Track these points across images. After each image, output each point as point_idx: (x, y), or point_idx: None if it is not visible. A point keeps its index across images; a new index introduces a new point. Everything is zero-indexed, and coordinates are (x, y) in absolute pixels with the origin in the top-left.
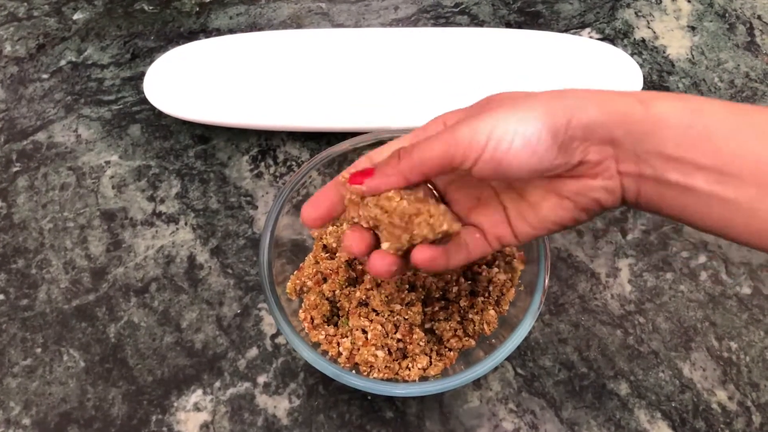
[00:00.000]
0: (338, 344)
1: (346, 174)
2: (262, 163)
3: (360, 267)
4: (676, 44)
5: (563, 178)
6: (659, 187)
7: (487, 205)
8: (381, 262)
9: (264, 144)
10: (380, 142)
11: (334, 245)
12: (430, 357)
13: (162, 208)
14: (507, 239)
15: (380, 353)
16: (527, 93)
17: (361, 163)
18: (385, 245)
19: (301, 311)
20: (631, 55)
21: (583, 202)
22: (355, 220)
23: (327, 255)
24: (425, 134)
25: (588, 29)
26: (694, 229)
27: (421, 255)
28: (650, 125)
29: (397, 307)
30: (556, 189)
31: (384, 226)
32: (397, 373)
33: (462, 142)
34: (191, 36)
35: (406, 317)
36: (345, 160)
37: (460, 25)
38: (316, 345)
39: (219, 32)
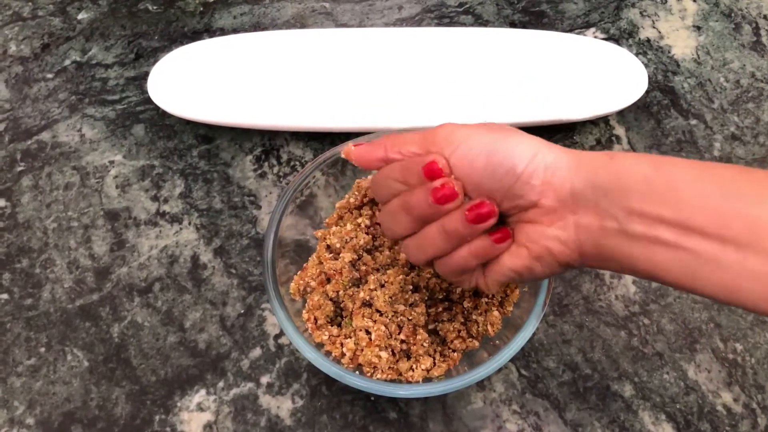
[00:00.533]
0: (341, 345)
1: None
2: (266, 163)
3: (364, 267)
4: (682, 44)
5: (522, 223)
6: (625, 240)
7: None
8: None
9: (267, 144)
10: None
11: (338, 245)
12: (434, 358)
13: (166, 207)
14: (480, 283)
15: (384, 354)
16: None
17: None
18: None
19: (304, 311)
20: (636, 55)
21: (535, 250)
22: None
23: (331, 255)
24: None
25: (593, 29)
26: (665, 284)
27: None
28: (614, 176)
29: (401, 307)
30: (515, 236)
31: None
32: (400, 374)
33: (438, 138)
34: (195, 36)
35: (410, 318)
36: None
37: (464, 24)
38: (319, 345)
39: (223, 32)
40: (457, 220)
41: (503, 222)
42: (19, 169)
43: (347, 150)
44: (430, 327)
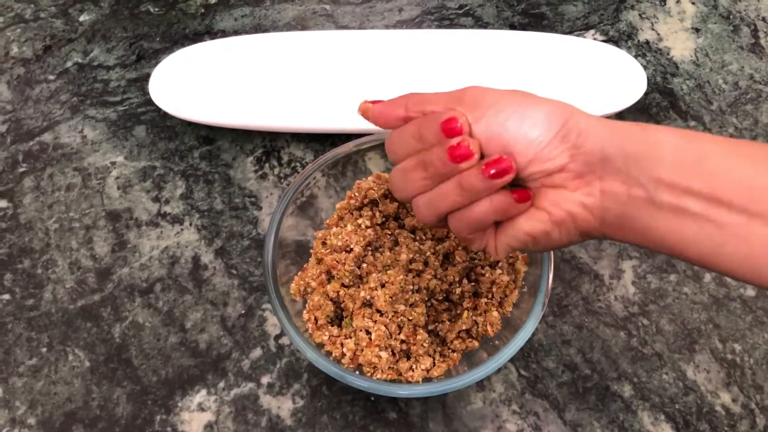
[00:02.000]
0: (342, 345)
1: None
2: (267, 164)
3: (365, 265)
4: (681, 46)
5: (545, 188)
6: (652, 209)
7: None
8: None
9: (268, 145)
10: (384, 144)
11: (339, 245)
12: (434, 358)
13: (167, 208)
14: (490, 247)
15: (384, 354)
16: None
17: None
18: None
19: (305, 312)
20: (635, 57)
21: (557, 214)
22: None
23: (327, 251)
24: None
25: (592, 31)
26: (685, 261)
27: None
28: (646, 147)
29: (401, 307)
30: (535, 200)
31: None
32: (400, 374)
33: (466, 100)
34: (196, 38)
35: (410, 318)
36: (349, 161)
37: (464, 26)
38: (319, 346)
39: (224, 34)
40: (474, 175)
41: (521, 186)
42: (21, 170)
43: (364, 107)
44: (430, 327)
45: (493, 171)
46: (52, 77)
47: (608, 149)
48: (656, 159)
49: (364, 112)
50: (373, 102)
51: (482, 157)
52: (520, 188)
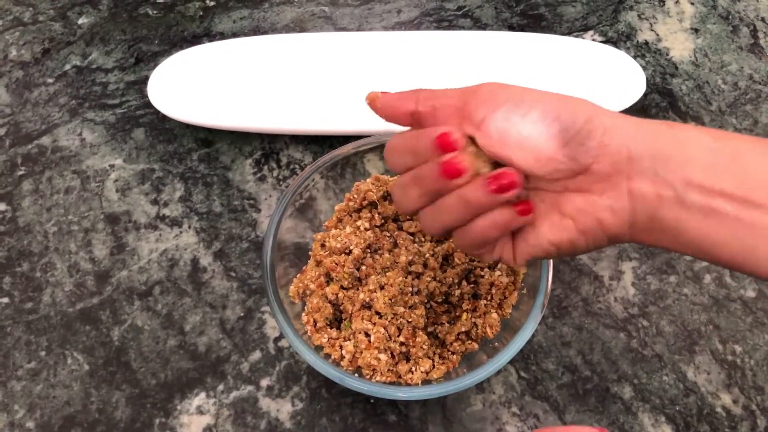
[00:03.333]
0: (341, 347)
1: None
2: (266, 167)
3: (364, 267)
4: (680, 46)
5: (568, 192)
6: (682, 210)
7: None
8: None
9: (267, 147)
10: (383, 146)
11: (338, 247)
12: (433, 360)
13: (166, 211)
14: (506, 256)
15: (383, 356)
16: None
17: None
18: None
19: (303, 314)
20: (634, 57)
21: (584, 222)
22: None
23: (326, 253)
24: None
25: (591, 32)
26: (716, 264)
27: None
28: (675, 146)
29: (401, 309)
30: (559, 206)
31: None
32: (399, 377)
33: (481, 95)
34: (195, 40)
35: (410, 320)
36: (347, 163)
37: (462, 28)
38: (318, 348)
39: (223, 36)
40: (478, 190)
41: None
42: (20, 173)
43: (372, 95)
44: (429, 329)
45: (495, 186)
46: (50, 80)
47: (635, 148)
48: (685, 158)
49: (372, 101)
50: (383, 93)
51: (495, 165)
52: (522, 199)
